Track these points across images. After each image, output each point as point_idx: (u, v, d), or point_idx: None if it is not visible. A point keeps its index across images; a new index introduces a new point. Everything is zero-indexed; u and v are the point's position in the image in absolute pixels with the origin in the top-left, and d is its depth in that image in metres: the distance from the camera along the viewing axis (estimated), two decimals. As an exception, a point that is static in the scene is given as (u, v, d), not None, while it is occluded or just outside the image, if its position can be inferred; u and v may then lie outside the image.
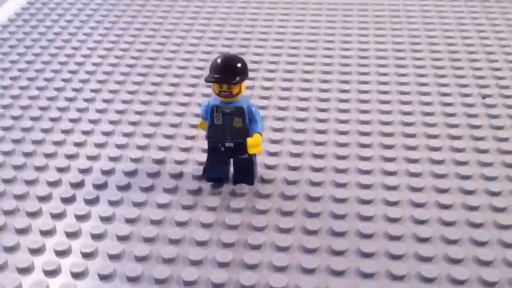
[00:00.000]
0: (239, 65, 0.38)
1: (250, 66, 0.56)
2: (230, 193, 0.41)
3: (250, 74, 0.54)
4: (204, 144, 0.42)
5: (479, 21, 0.64)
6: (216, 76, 0.38)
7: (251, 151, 0.39)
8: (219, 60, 0.38)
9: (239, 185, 0.41)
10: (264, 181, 0.42)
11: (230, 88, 0.38)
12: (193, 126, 0.48)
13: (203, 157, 0.42)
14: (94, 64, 0.57)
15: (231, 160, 0.41)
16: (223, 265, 0.36)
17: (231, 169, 0.42)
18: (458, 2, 0.69)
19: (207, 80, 0.38)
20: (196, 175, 0.42)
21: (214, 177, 0.41)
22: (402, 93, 0.52)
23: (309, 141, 0.46)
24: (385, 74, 0.55)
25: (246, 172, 0.41)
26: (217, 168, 0.41)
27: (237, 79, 0.38)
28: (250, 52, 0.59)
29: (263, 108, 0.50)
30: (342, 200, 0.40)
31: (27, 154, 0.45)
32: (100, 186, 0.42)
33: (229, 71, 0.38)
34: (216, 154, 0.40)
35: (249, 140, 0.39)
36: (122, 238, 0.38)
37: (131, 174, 0.43)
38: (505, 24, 0.63)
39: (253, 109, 0.39)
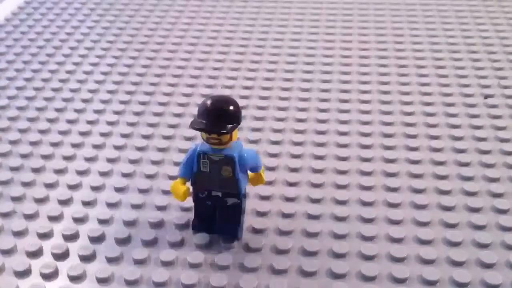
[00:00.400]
0: (231, 108, 0.34)
1: (249, 66, 0.56)
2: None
3: (250, 74, 0.54)
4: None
5: (481, 21, 0.64)
6: (204, 122, 0.33)
7: (254, 185, 0.37)
8: (208, 103, 0.34)
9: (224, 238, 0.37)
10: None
11: (220, 136, 0.34)
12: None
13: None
14: (91, 64, 0.57)
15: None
16: (222, 268, 0.35)
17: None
18: (460, 1, 0.68)
19: (193, 127, 0.33)
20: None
21: (201, 230, 0.37)
22: (403, 93, 0.51)
23: (309, 142, 0.46)
24: (386, 74, 0.54)
25: (232, 222, 0.37)
26: (204, 219, 0.37)
27: (228, 127, 0.33)
28: (249, 52, 0.58)
29: (262, 108, 0.50)
30: (342, 202, 0.40)
31: (24, 156, 0.45)
32: (98, 188, 0.41)
33: (219, 118, 0.33)
34: (201, 204, 0.36)
35: (252, 178, 0.36)
36: (120, 241, 0.37)
37: (128, 175, 0.43)
38: (506, 23, 0.63)
39: (246, 156, 0.35)
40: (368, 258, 0.36)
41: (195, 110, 0.49)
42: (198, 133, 0.47)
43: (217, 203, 0.36)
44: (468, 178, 0.42)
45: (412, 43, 0.60)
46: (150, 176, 0.42)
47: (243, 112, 0.49)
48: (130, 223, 0.39)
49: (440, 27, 0.63)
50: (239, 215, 0.37)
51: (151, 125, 0.48)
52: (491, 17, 0.64)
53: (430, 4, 0.68)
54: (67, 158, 0.44)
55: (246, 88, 0.53)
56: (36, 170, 0.43)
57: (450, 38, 0.60)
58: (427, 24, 0.63)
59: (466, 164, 0.43)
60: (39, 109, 0.50)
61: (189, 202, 0.37)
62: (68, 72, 0.56)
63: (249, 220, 0.39)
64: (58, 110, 0.50)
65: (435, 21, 0.64)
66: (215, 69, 0.56)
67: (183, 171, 0.35)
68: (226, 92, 0.52)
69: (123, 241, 0.37)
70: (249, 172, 0.36)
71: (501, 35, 0.61)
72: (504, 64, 0.56)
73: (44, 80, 0.54)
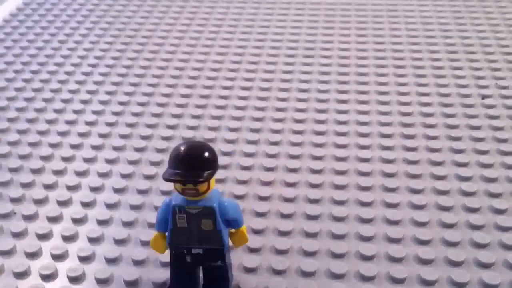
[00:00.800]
0: (206, 155, 0.30)
1: (248, 67, 0.56)
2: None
3: (247, 75, 0.54)
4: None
5: (478, 21, 0.64)
6: (177, 172, 0.29)
7: (237, 246, 0.33)
8: (181, 150, 0.30)
9: None
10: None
11: (197, 186, 0.30)
12: (189, 128, 0.48)
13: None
14: (90, 65, 0.57)
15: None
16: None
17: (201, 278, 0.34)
18: (457, 1, 0.68)
19: (165, 178, 0.30)
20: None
21: None
22: (401, 94, 0.52)
23: (307, 143, 0.46)
24: (383, 75, 0.54)
25: (220, 281, 0.33)
26: (183, 281, 0.33)
27: (205, 175, 0.29)
28: (247, 53, 0.58)
29: (261, 109, 0.50)
30: (341, 202, 0.40)
31: (23, 157, 0.45)
32: (97, 189, 0.42)
33: (193, 166, 0.30)
34: (180, 264, 0.32)
35: (233, 236, 0.32)
36: (119, 242, 0.37)
37: (127, 176, 0.43)
38: (504, 24, 0.63)
39: (226, 204, 0.31)
40: (367, 258, 0.36)
41: (193, 111, 0.49)
42: (196, 134, 0.47)
43: (197, 262, 0.32)
44: (466, 179, 0.42)
45: (410, 43, 0.60)
46: (149, 177, 0.43)
47: (241, 113, 0.49)
48: (129, 224, 0.39)
49: (438, 27, 0.63)
50: (227, 274, 0.33)
51: (150, 126, 0.48)
52: (489, 17, 0.65)
53: (427, 5, 0.68)
54: (66, 159, 0.44)
55: (244, 89, 0.53)
56: (35, 171, 0.43)
57: (447, 39, 0.60)
58: (424, 25, 0.63)
59: (464, 165, 0.43)
60: (38, 110, 0.50)
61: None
62: (67, 73, 0.56)
63: (248, 221, 0.39)
64: (57, 111, 0.50)
65: (433, 21, 0.64)
66: (213, 70, 0.56)
67: (160, 226, 0.32)
68: (225, 93, 0.52)
69: (122, 242, 0.37)
70: (229, 230, 0.32)
71: (498, 35, 0.61)
72: (502, 64, 0.56)
73: (43, 81, 0.54)
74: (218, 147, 0.45)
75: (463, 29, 0.62)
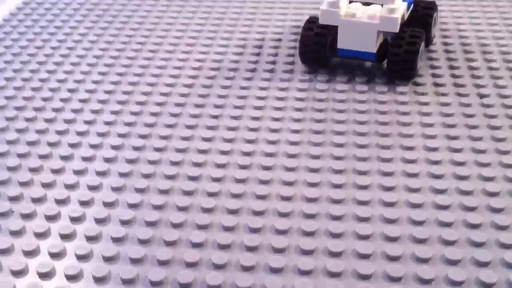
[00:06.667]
0: None
1: (247, 66, 0.56)
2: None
3: (246, 74, 0.55)
4: None
5: (476, 21, 0.64)
6: None
7: None
8: None
9: None
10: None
11: None
12: (188, 127, 0.48)
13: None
14: (89, 64, 0.57)
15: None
16: (218, 266, 0.36)
17: None
18: (455, 1, 0.68)
19: None
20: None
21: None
22: (400, 93, 0.52)
23: (305, 142, 0.46)
24: (383, 75, 0.54)
25: None
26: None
27: None
28: (247, 52, 0.58)
29: (259, 108, 0.50)
30: (338, 201, 0.40)
31: (22, 155, 0.45)
32: (95, 188, 0.42)
33: None
34: None
35: None
36: (116, 240, 0.38)
37: (126, 175, 0.43)
38: (502, 23, 0.63)
39: None
40: (363, 256, 0.36)
41: (192, 110, 0.50)
42: (195, 133, 0.47)
43: None
44: (464, 177, 0.42)
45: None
46: (147, 176, 0.43)
47: (240, 112, 0.49)
48: (127, 222, 0.39)
49: (436, 27, 0.63)
50: None
51: (148, 125, 0.48)
52: (487, 17, 0.65)
53: (426, 5, 0.68)
54: (65, 158, 0.45)
55: (243, 88, 0.53)
56: (33, 170, 0.43)
57: (445, 38, 0.60)
58: (423, 25, 0.63)
59: (461, 164, 0.43)
60: (36, 109, 0.50)
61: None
62: (66, 72, 0.56)
63: (245, 219, 0.39)
64: (55, 110, 0.50)
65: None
66: (212, 69, 0.56)
67: None
68: (224, 92, 0.52)
69: (120, 240, 0.37)
70: None
71: (496, 35, 0.61)
72: (500, 64, 0.56)
73: (42, 80, 0.54)
74: (216, 146, 0.45)
75: (461, 29, 0.62)
